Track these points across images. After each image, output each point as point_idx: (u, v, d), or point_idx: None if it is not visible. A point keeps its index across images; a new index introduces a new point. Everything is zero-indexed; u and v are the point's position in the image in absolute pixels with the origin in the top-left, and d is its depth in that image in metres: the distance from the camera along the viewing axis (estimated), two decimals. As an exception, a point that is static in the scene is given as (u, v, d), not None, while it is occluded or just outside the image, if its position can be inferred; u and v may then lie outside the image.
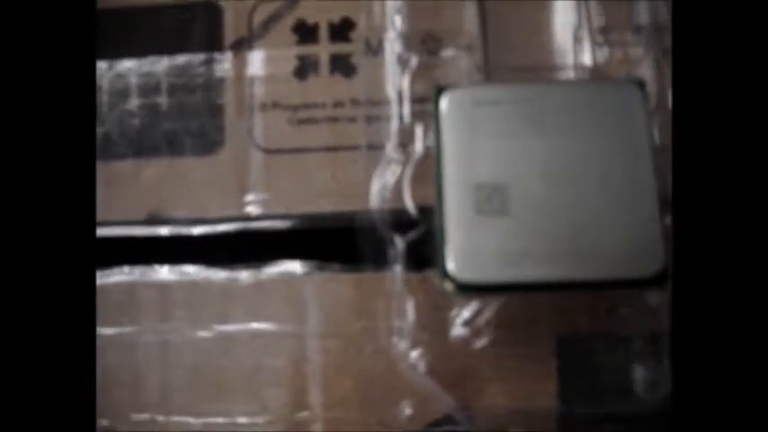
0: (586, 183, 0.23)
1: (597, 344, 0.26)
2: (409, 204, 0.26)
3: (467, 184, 0.24)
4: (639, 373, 0.26)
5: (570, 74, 0.27)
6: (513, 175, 0.24)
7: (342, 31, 0.29)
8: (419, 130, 0.26)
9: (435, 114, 0.24)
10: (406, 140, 0.26)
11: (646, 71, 0.27)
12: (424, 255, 0.25)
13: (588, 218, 0.23)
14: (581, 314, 0.26)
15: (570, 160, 0.24)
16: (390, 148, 0.26)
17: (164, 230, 0.29)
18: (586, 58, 0.27)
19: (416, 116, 0.26)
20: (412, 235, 0.25)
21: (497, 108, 0.24)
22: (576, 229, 0.23)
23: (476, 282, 0.23)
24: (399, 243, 0.25)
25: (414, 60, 0.27)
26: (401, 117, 0.26)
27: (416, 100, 0.27)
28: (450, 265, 0.23)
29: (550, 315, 0.26)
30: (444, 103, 0.24)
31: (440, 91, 0.25)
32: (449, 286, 0.23)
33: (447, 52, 0.27)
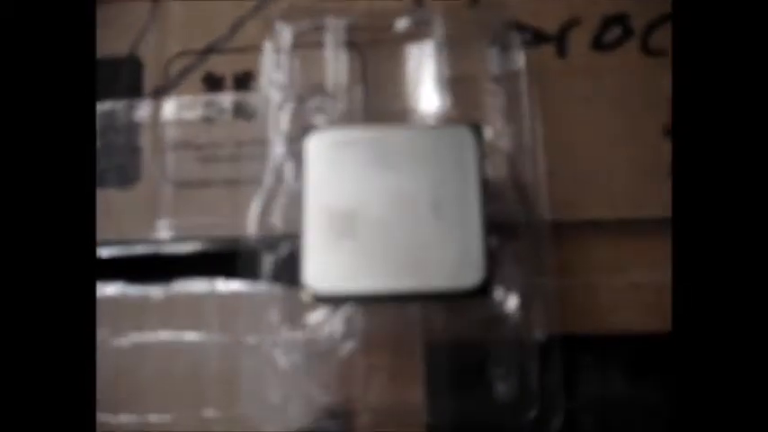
0: (421, 209, 0.28)
1: (463, 357, 0.30)
2: (279, 228, 0.30)
3: (324, 211, 0.28)
4: (505, 395, 0.30)
5: (428, 118, 0.32)
6: (361, 203, 0.28)
7: (244, 80, 0.34)
8: (291, 167, 0.31)
9: (302, 152, 0.29)
10: (280, 175, 0.31)
11: (495, 114, 0.32)
12: (292, 272, 0.29)
13: (422, 239, 0.28)
14: (452, 324, 0.31)
15: (409, 190, 0.28)
16: (268, 182, 0.31)
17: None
18: (442, 104, 0.32)
19: (292, 155, 0.31)
20: (279, 252, 0.30)
21: (353, 147, 0.29)
22: (411, 248, 0.28)
23: (328, 293, 0.28)
24: (269, 260, 0.30)
25: (288, 107, 0.32)
26: (277, 155, 0.31)
27: (293, 140, 0.31)
28: (308, 279, 0.28)
29: (420, 328, 0.31)
30: (309, 142, 0.29)
31: (305, 132, 0.29)
32: (306, 296, 0.28)
33: (316, 101, 0.31)
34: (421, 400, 0.30)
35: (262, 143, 0.33)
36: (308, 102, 0.31)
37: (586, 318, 0.31)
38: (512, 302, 0.29)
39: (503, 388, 0.30)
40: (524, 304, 0.29)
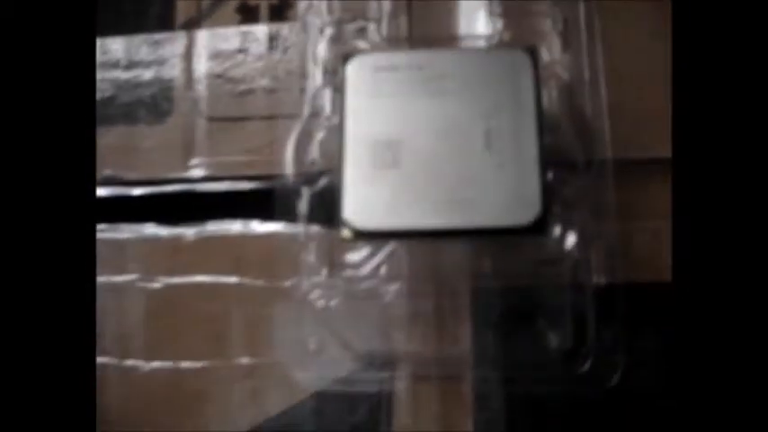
0: (472, 139, 0.26)
1: (514, 302, 0.28)
2: (317, 163, 0.28)
3: (365, 142, 0.26)
4: (556, 344, 0.28)
5: (479, 41, 0.29)
6: (406, 132, 0.26)
7: (280, 11, 0.32)
8: (329, 98, 0.29)
9: (341, 79, 0.27)
10: (318, 107, 0.29)
11: (552, 40, 0.29)
12: (331, 209, 0.27)
13: (472, 171, 0.25)
14: (502, 266, 0.28)
15: (458, 119, 0.26)
16: (305, 114, 0.29)
17: (118, 192, 0.32)
18: (493, 27, 0.29)
19: (331, 85, 0.29)
20: (318, 188, 0.28)
21: (397, 72, 0.27)
22: (460, 181, 0.25)
23: (370, 229, 0.26)
24: (306, 197, 0.28)
25: (327, 35, 0.29)
26: (317, 85, 0.29)
27: (332, 70, 0.29)
28: (348, 214, 0.26)
29: (467, 270, 0.28)
30: (349, 68, 0.27)
31: (346, 58, 0.27)
32: (346, 233, 0.26)
33: (357, 24, 0.29)
34: (467, 349, 0.28)
35: (298, 75, 0.31)
36: (348, 28, 0.29)
37: (649, 265, 0.29)
38: (569, 242, 0.27)
39: (555, 337, 0.28)
40: (583, 246, 0.27)
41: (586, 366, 0.27)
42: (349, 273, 0.28)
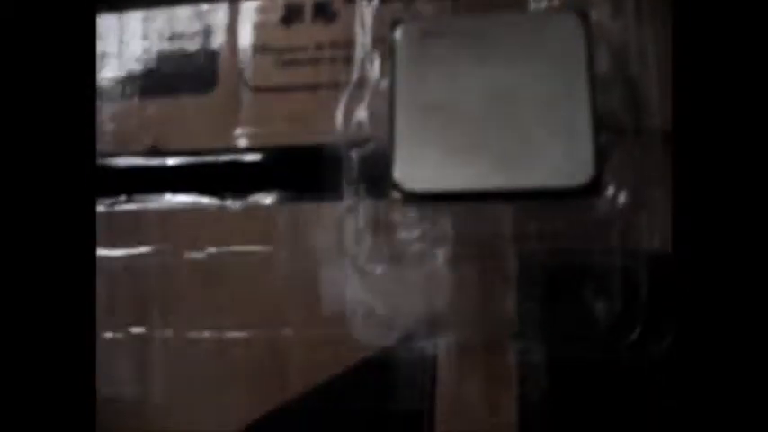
0: (523, 103, 0.25)
1: (560, 270, 0.28)
2: (365, 130, 0.28)
3: (415, 106, 0.26)
4: (604, 311, 0.27)
5: (529, 4, 0.29)
6: (456, 97, 0.26)
7: (325, -20, 0.32)
8: (377, 65, 0.29)
9: (391, 45, 0.27)
10: (365, 74, 0.29)
11: (602, 4, 0.29)
12: (379, 174, 0.27)
13: (523, 134, 0.25)
14: (547, 234, 0.28)
15: (509, 82, 0.26)
16: (352, 81, 0.29)
17: (163, 162, 0.32)
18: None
19: (378, 52, 0.29)
20: (365, 153, 0.28)
21: (444, 38, 0.26)
22: (511, 144, 0.25)
23: (421, 190, 0.26)
24: (354, 161, 0.28)
25: (374, 2, 0.29)
26: (365, 52, 0.29)
27: (378, 38, 0.29)
28: (398, 176, 0.26)
29: (513, 234, 0.28)
30: (398, 34, 0.27)
31: (394, 24, 0.27)
32: (396, 195, 0.26)
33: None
34: (512, 315, 0.28)
35: (344, 45, 0.31)
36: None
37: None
38: (621, 204, 0.27)
39: (603, 303, 0.27)
40: (634, 210, 0.27)
41: (635, 335, 0.27)
42: (396, 237, 0.28)
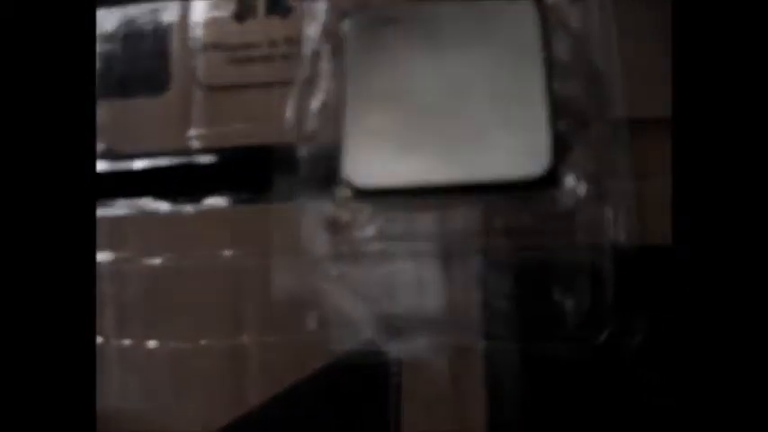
0: (477, 92, 0.24)
1: (525, 267, 0.27)
2: (317, 128, 0.27)
3: (365, 99, 0.25)
4: (572, 308, 0.26)
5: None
6: (408, 87, 0.25)
7: (277, -26, 0.31)
8: (328, 60, 0.28)
9: (340, 37, 0.26)
10: (317, 69, 0.28)
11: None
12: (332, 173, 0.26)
13: (478, 124, 0.24)
14: (512, 225, 0.27)
15: (463, 71, 0.25)
16: (304, 78, 0.28)
17: (115, 166, 0.31)
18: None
19: (330, 46, 0.28)
20: (317, 147, 0.27)
21: (397, 26, 0.25)
22: (465, 135, 0.24)
23: (372, 186, 0.24)
24: (307, 162, 0.27)
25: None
26: (315, 47, 0.28)
27: (331, 33, 0.28)
28: (348, 172, 0.24)
29: (475, 229, 0.27)
30: (347, 25, 0.26)
31: (343, 15, 0.26)
32: (347, 192, 0.25)
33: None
34: (478, 314, 0.27)
35: (298, 40, 0.30)
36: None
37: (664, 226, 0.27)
38: (581, 193, 0.25)
39: (571, 301, 0.26)
40: (598, 202, 0.26)
41: (605, 334, 0.26)
42: (352, 236, 0.27)
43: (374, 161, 0.24)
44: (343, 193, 0.25)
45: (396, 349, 0.27)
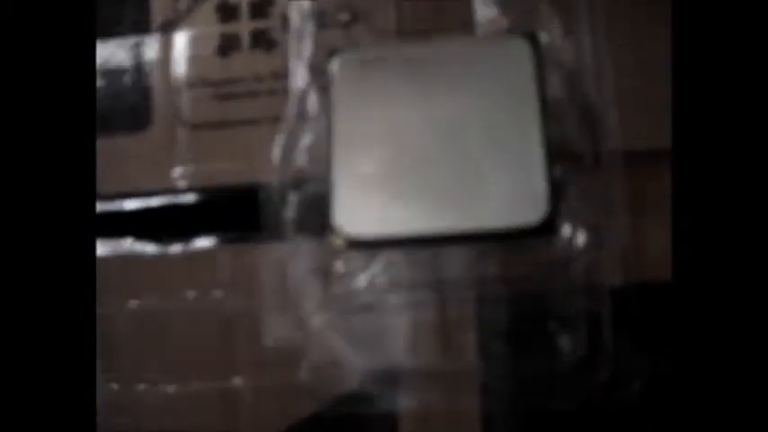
0: (471, 135, 0.24)
1: (522, 309, 0.26)
2: (305, 169, 0.26)
3: (354, 142, 0.24)
4: (570, 354, 0.26)
5: (474, 29, 0.27)
6: (398, 130, 0.24)
7: (261, 7, 0.30)
8: (315, 98, 0.27)
9: (328, 76, 0.25)
10: (304, 108, 0.27)
11: (551, 23, 0.27)
12: (321, 217, 0.25)
13: (472, 171, 0.23)
14: (509, 271, 0.26)
15: (455, 114, 0.24)
16: (291, 117, 0.27)
17: (98, 206, 0.30)
18: (488, 14, 0.27)
19: (317, 84, 0.27)
20: (306, 195, 0.26)
21: (387, 66, 0.25)
22: (459, 181, 0.23)
23: (363, 237, 0.24)
24: (294, 205, 0.26)
25: (310, 30, 0.27)
26: (302, 85, 0.27)
27: (317, 68, 0.27)
28: (339, 221, 0.24)
29: (470, 278, 0.26)
30: (335, 64, 0.25)
31: (331, 54, 0.25)
32: (338, 242, 0.24)
33: (342, 18, 0.27)
34: (474, 360, 0.26)
35: (284, 76, 0.29)
36: (333, 21, 0.27)
37: (664, 262, 0.27)
38: (580, 242, 0.25)
39: (569, 344, 0.26)
40: (594, 245, 0.25)
41: (604, 375, 0.25)
42: (343, 286, 0.26)
43: (365, 209, 0.24)
44: (335, 242, 0.24)
45: (390, 402, 0.26)
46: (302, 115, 0.27)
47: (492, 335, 0.26)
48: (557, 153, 0.24)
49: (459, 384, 0.26)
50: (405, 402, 0.26)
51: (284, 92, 0.29)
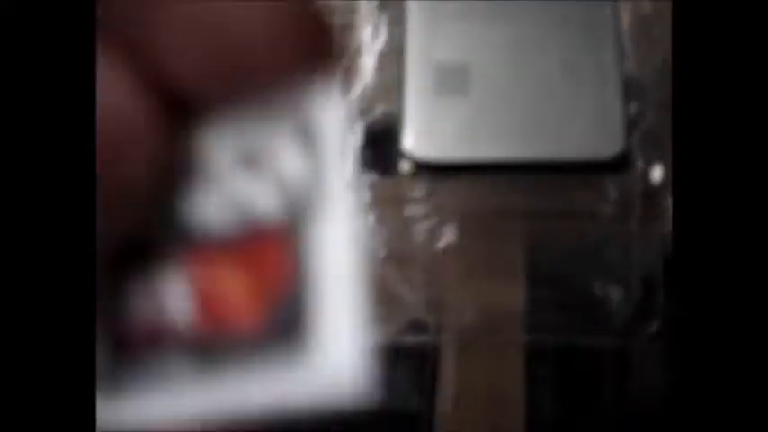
0: (548, 67, 0.23)
1: (570, 255, 0.26)
2: (372, 91, 0.26)
3: (428, 66, 0.24)
4: (618, 303, 0.25)
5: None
6: (474, 56, 0.24)
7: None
8: (386, 20, 0.26)
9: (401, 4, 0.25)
10: (376, 31, 0.26)
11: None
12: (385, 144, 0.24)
13: (548, 100, 0.23)
14: (555, 217, 0.26)
15: (533, 45, 0.24)
16: (358, 37, 0.26)
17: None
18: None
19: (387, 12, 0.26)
20: (371, 119, 0.25)
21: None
22: (535, 110, 0.23)
23: (432, 160, 0.23)
24: (358, 126, 0.25)
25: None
26: (373, 9, 0.27)
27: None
28: (408, 144, 0.23)
29: (522, 214, 0.26)
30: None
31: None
32: (406, 166, 0.23)
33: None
34: (520, 304, 0.25)
35: (346, 10, 0.28)
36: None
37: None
38: (651, 180, 0.24)
39: (617, 295, 0.25)
40: (662, 190, 0.24)
41: (653, 327, 0.25)
42: (401, 214, 0.25)
43: (437, 134, 0.23)
44: (403, 166, 0.23)
45: (433, 337, 0.26)
46: (373, 38, 0.26)
47: (540, 279, 0.25)
48: (632, 93, 0.24)
49: (505, 325, 0.25)
50: (448, 341, 0.25)
51: (352, 27, 0.28)
